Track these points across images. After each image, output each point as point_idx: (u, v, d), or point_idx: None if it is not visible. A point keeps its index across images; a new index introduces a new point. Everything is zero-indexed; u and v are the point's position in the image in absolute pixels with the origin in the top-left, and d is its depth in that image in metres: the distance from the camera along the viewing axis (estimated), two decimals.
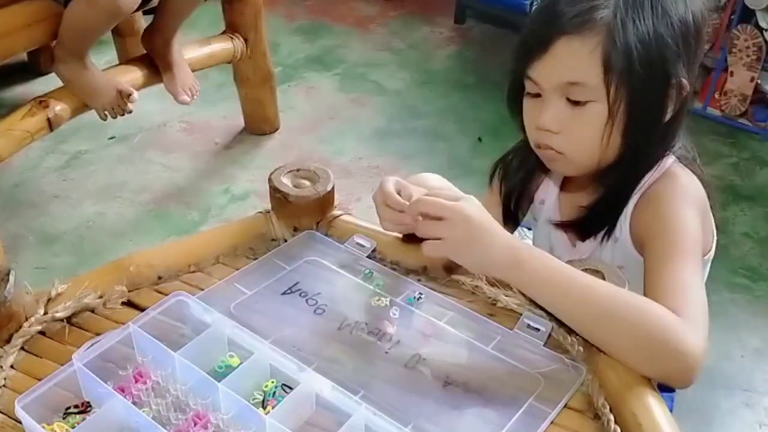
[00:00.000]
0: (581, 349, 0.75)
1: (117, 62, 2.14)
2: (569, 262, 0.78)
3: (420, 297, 0.82)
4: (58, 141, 2.32)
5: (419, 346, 0.76)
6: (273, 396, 0.69)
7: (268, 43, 2.29)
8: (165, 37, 1.93)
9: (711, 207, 0.93)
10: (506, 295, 0.81)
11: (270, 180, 0.92)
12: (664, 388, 0.75)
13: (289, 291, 0.83)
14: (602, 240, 0.96)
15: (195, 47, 2.11)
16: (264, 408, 0.67)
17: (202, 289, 0.82)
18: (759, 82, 2.43)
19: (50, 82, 1.99)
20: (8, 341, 0.75)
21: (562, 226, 1.01)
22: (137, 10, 1.74)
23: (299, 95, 2.68)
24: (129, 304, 0.81)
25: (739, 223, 2.10)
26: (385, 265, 0.87)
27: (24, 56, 2.55)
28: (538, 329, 0.77)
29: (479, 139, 2.43)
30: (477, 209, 0.76)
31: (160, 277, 0.84)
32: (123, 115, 1.87)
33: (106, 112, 1.85)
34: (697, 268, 0.81)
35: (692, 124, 0.95)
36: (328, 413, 0.68)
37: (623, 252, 0.93)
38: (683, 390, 0.75)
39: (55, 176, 2.22)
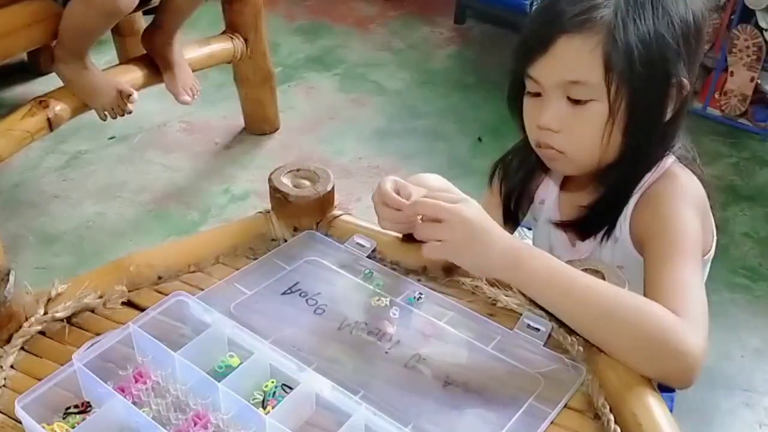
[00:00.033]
0: (581, 349, 0.75)
1: (117, 62, 2.14)
2: (569, 262, 0.78)
3: (420, 297, 0.82)
4: (58, 141, 2.32)
5: (419, 346, 0.76)
6: (273, 396, 0.69)
7: (268, 43, 2.29)
8: (165, 37, 1.93)
9: (711, 207, 0.93)
10: (506, 295, 0.81)
11: (270, 180, 0.92)
12: (664, 388, 0.75)
13: (289, 291, 0.83)
14: (602, 240, 0.96)
15: (195, 47, 2.11)
16: (264, 408, 0.67)
17: (202, 289, 0.82)
18: (759, 82, 2.43)
19: (50, 82, 1.99)
20: (8, 341, 0.75)
21: (562, 225, 1.01)
22: (137, 9, 1.74)
23: (299, 95, 2.68)
24: (129, 304, 0.81)
25: (739, 223, 2.10)
26: (385, 265, 0.87)
27: (24, 56, 2.55)
28: (538, 329, 0.77)
29: (479, 139, 2.43)
30: (476, 211, 0.76)
31: (160, 277, 0.84)
32: (123, 115, 1.87)
33: (105, 113, 1.85)
34: (697, 268, 0.81)
35: (692, 124, 0.95)
36: (328, 413, 0.68)
37: (623, 252, 0.93)
38: (683, 390, 0.75)
39: (55, 176, 2.22)
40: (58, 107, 1.76)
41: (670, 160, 0.92)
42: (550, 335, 0.77)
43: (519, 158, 1.05)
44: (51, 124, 1.75)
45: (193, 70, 2.05)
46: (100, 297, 0.80)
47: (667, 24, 0.83)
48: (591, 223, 0.96)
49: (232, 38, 2.18)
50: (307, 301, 0.82)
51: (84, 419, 0.66)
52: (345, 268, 0.86)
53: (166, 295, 0.76)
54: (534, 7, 2.65)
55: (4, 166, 1.95)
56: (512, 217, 1.07)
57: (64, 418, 0.67)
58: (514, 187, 1.06)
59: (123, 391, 0.68)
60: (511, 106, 0.95)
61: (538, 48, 0.85)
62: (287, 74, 2.77)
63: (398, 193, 0.85)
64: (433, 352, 0.76)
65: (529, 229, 1.20)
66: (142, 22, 2.29)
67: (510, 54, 0.91)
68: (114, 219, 2.06)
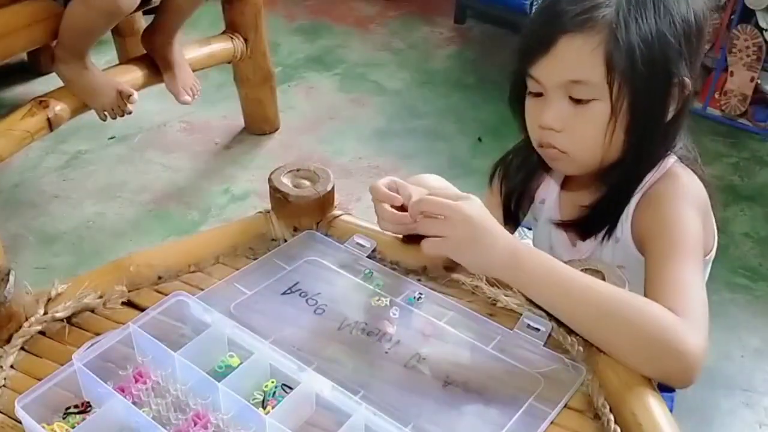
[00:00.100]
0: (581, 349, 0.75)
1: (117, 62, 2.14)
2: (569, 262, 0.78)
3: (420, 297, 0.82)
4: (58, 141, 2.32)
5: (419, 346, 0.76)
6: (273, 396, 0.69)
7: (268, 43, 2.29)
8: (165, 37, 1.93)
9: (712, 207, 0.93)
10: (506, 295, 0.81)
11: (270, 180, 0.92)
12: (664, 388, 0.75)
13: (289, 291, 0.83)
14: (603, 240, 0.96)
15: (195, 47, 2.11)
16: (264, 408, 0.67)
17: (202, 289, 0.82)
18: (759, 82, 2.42)
19: (50, 82, 1.99)
20: (8, 341, 0.75)
21: (563, 225, 1.01)
22: (137, 9, 1.74)
23: (299, 95, 2.68)
24: (129, 304, 0.81)
25: (739, 223, 2.10)
26: (385, 265, 0.87)
27: (24, 56, 2.55)
28: (538, 329, 0.77)
29: (479, 139, 2.43)
30: (478, 209, 0.76)
31: (160, 277, 0.84)
32: (122, 116, 1.87)
33: (105, 113, 1.85)
34: (698, 268, 0.81)
35: (692, 124, 0.95)
36: (328, 413, 0.68)
37: (624, 252, 0.93)
38: (683, 390, 0.75)
39: (55, 176, 2.22)
40: (58, 107, 1.76)
41: (671, 160, 0.92)
42: (550, 335, 0.77)
43: (519, 158, 1.05)
44: (51, 124, 1.76)
45: (193, 70, 2.05)
46: (100, 297, 0.80)
47: (669, 23, 0.83)
48: (592, 222, 0.96)
49: (232, 38, 2.18)
50: (307, 301, 0.82)
51: (84, 419, 0.66)
52: (345, 268, 0.86)
53: (166, 295, 0.76)
54: (534, 7, 2.66)
55: (4, 166, 1.95)
56: (513, 217, 1.07)
57: (64, 418, 0.67)
58: (515, 188, 1.06)
59: (123, 391, 0.68)
60: (513, 106, 0.95)
61: (540, 48, 0.85)
62: (287, 74, 2.77)
63: (397, 194, 0.85)
64: (433, 352, 0.76)
65: (530, 229, 1.20)
66: (142, 22, 2.29)
67: (511, 54, 0.91)
68: (114, 219, 2.06)
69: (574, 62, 0.84)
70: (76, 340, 0.75)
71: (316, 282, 0.85)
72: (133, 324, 0.71)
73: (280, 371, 0.70)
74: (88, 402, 0.69)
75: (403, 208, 0.85)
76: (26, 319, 0.76)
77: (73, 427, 0.65)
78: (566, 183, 1.03)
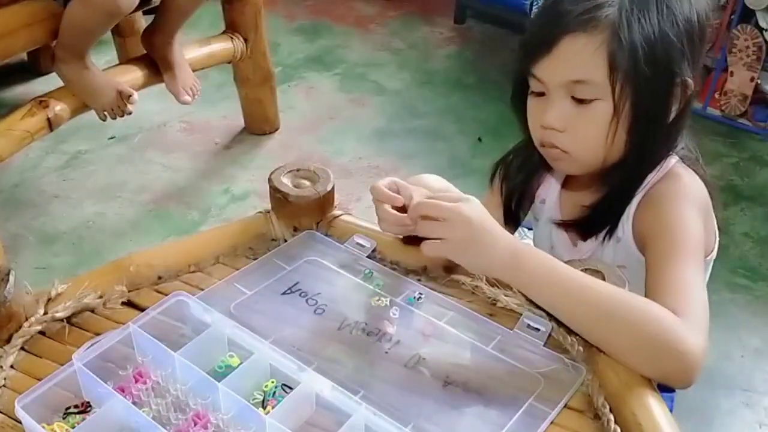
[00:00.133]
0: (581, 349, 0.75)
1: (117, 62, 2.14)
2: (569, 262, 0.78)
3: (420, 297, 0.82)
4: (58, 141, 2.32)
5: (419, 346, 0.76)
6: (273, 396, 0.69)
7: (268, 43, 2.29)
8: (165, 37, 1.93)
9: (714, 208, 0.93)
10: (506, 295, 0.81)
11: (270, 180, 0.92)
12: (664, 388, 0.75)
13: (289, 291, 0.83)
14: (604, 240, 0.96)
15: (195, 47, 2.11)
16: (264, 408, 0.67)
17: (202, 289, 0.82)
18: (759, 82, 2.42)
19: (50, 82, 1.99)
20: (8, 341, 0.75)
21: (564, 225, 1.01)
22: (137, 9, 1.74)
23: (299, 95, 2.68)
24: (129, 304, 0.81)
25: (739, 223, 2.10)
26: (385, 265, 0.87)
27: (24, 56, 2.55)
28: (538, 329, 0.77)
29: (479, 139, 2.43)
30: (477, 210, 0.76)
31: (160, 277, 0.84)
32: (122, 116, 1.87)
33: (105, 113, 1.85)
34: (699, 269, 0.81)
35: (692, 124, 0.95)
36: (328, 413, 0.68)
37: (625, 252, 0.93)
38: (683, 390, 0.75)
39: (55, 176, 2.22)
40: (58, 107, 1.76)
41: (673, 161, 0.92)
42: (550, 335, 0.77)
43: (520, 158, 1.05)
44: (51, 124, 1.76)
45: (193, 70, 2.05)
46: (100, 297, 0.80)
47: (672, 23, 0.83)
48: (593, 222, 0.95)
49: (232, 38, 2.18)
50: (307, 301, 0.82)
51: (84, 419, 0.66)
52: (345, 268, 0.86)
53: (166, 295, 0.76)
54: (534, 7, 2.66)
55: (4, 166, 1.95)
56: (513, 217, 1.07)
57: (64, 418, 0.67)
58: (516, 187, 1.06)
59: (123, 391, 0.68)
60: (515, 105, 0.95)
61: (543, 47, 0.85)
62: (287, 74, 2.77)
63: (398, 194, 0.85)
64: (433, 352, 0.76)
65: (530, 229, 1.20)
66: (142, 22, 2.29)
67: (511, 54, 0.91)
68: (114, 219, 2.06)
69: (577, 62, 0.84)
70: (76, 340, 0.75)
71: (316, 282, 0.85)
72: (133, 324, 0.71)
73: (280, 371, 0.70)
74: (88, 402, 0.69)
75: (404, 209, 0.84)
76: (26, 319, 0.76)
77: (73, 427, 0.65)
78: (567, 183, 1.03)
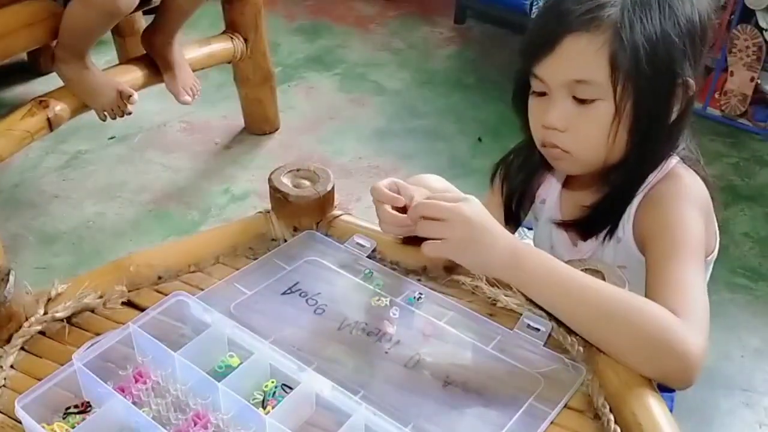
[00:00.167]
0: (581, 349, 0.75)
1: (117, 62, 2.14)
2: (569, 262, 0.78)
3: (420, 297, 0.82)
4: (58, 141, 2.32)
5: (419, 346, 0.76)
6: (273, 396, 0.69)
7: (268, 43, 2.29)
8: (165, 37, 1.93)
9: (714, 208, 0.93)
10: (506, 295, 0.81)
11: (270, 180, 0.92)
12: (664, 388, 0.75)
13: (289, 291, 0.83)
14: (604, 240, 0.96)
15: (195, 47, 2.11)
16: (264, 408, 0.67)
17: (202, 289, 0.82)
18: (759, 82, 2.43)
19: (50, 82, 2.00)
20: (8, 341, 0.75)
21: (564, 225, 1.01)
22: (137, 9, 1.74)
23: (299, 95, 2.68)
24: (129, 304, 0.81)
25: (739, 223, 2.10)
26: (385, 265, 0.87)
27: (24, 56, 2.55)
28: (538, 329, 0.77)
29: (479, 139, 2.43)
30: (477, 210, 0.76)
31: (160, 277, 0.84)
32: (122, 116, 1.87)
33: (105, 113, 1.85)
34: (700, 269, 0.81)
35: (692, 124, 0.95)
36: (328, 413, 0.68)
37: (626, 252, 0.93)
38: (683, 390, 0.75)
39: (55, 176, 2.22)
40: (58, 107, 1.76)
41: (674, 161, 0.92)
42: (550, 335, 0.77)
43: (521, 158, 1.05)
44: (51, 124, 1.75)
45: (193, 70, 2.05)
46: (100, 297, 0.80)
47: (674, 24, 0.83)
48: (593, 222, 0.95)
49: (232, 38, 2.18)
50: (307, 301, 0.82)
51: (84, 419, 0.66)
52: (345, 268, 0.86)
53: (166, 295, 0.76)
54: (534, 7, 2.66)
55: (4, 166, 1.95)
56: (514, 217, 1.07)
57: (64, 418, 0.67)
58: (516, 188, 1.06)
59: (123, 391, 0.68)
60: (516, 105, 0.95)
61: (544, 47, 0.85)
62: (287, 74, 2.77)
63: (399, 195, 0.85)
64: (433, 352, 0.76)
65: (530, 229, 1.20)
66: (142, 22, 2.29)
67: (510, 54, 0.91)
68: (114, 219, 2.06)
69: (579, 62, 0.84)
70: (76, 340, 0.75)
71: (316, 282, 0.85)
72: (133, 324, 0.71)
73: (280, 371, 0.70)
74: (88, 402, 0.69)
75: (404, 210, 0.84)
76: (26, 319, 0.76)
77: (73, 427, 0.65)
78: (568, 182, 1.03)
